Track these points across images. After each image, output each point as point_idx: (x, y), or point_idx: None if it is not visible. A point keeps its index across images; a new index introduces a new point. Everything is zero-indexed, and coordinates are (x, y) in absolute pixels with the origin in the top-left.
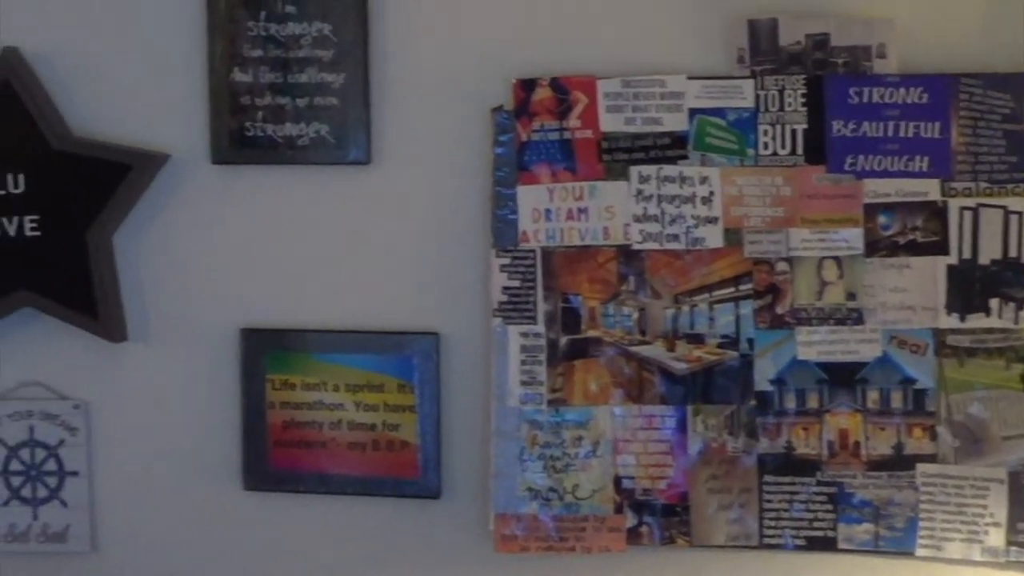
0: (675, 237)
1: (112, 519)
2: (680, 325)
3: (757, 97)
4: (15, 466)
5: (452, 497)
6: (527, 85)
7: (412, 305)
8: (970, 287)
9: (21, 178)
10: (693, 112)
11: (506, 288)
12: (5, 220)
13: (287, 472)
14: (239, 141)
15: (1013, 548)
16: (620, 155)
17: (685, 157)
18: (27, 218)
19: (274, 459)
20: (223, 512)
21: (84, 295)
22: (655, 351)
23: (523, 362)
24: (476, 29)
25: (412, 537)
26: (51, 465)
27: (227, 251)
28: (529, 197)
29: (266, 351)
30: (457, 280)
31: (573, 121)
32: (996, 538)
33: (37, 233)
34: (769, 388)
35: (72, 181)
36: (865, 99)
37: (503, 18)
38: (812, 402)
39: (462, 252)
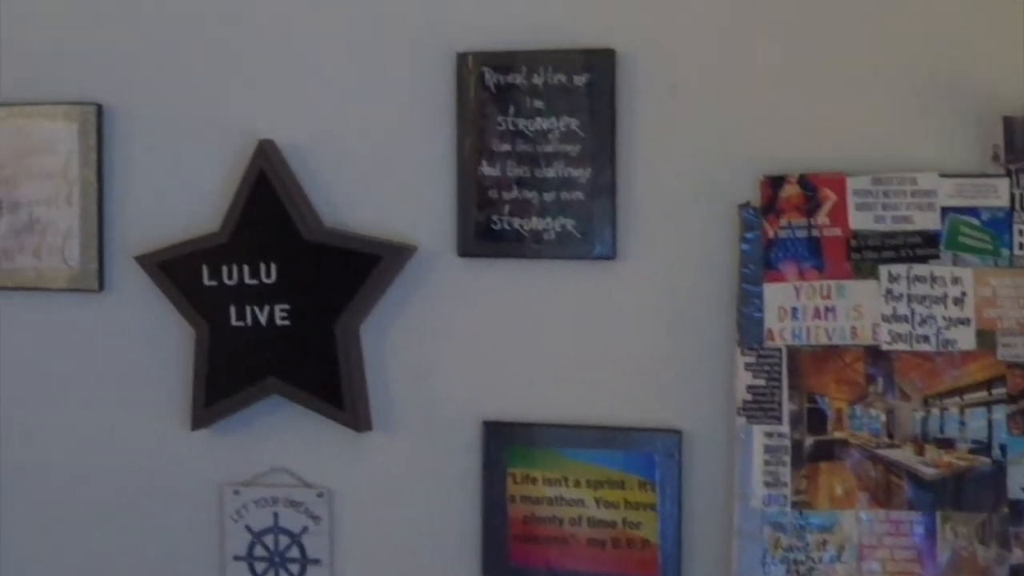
0: (925, 338)
1: None
2: (930, 429)
3: (1012, 196)
4: (259, 552)
5: None
6: (775, 182)
7: (654, 402)
8: None
9: (273, 267)
10: (945, 211)
11: (751, 387)
12: (257, 309)
13: (526, 567)
14: (485, 234)
15: None
16: (869, 254)
17: (936, 257)
18: (278, 307)
19: (513, 554)
20: None
21: (331, 384)
22: (903, 455)
23: (767, 462)
24: (724, 125)
25: None
26: (294, 552)
27: (471, 343)
28: (775, 295)
29: (508, 444)
30: (700, 377)
31: (821, 218)
32: None
33: (287, 322)
34: (1023, 497)
35: (322, 271)
36: None
37: (751, 114)
38: None
39: (706, 349)
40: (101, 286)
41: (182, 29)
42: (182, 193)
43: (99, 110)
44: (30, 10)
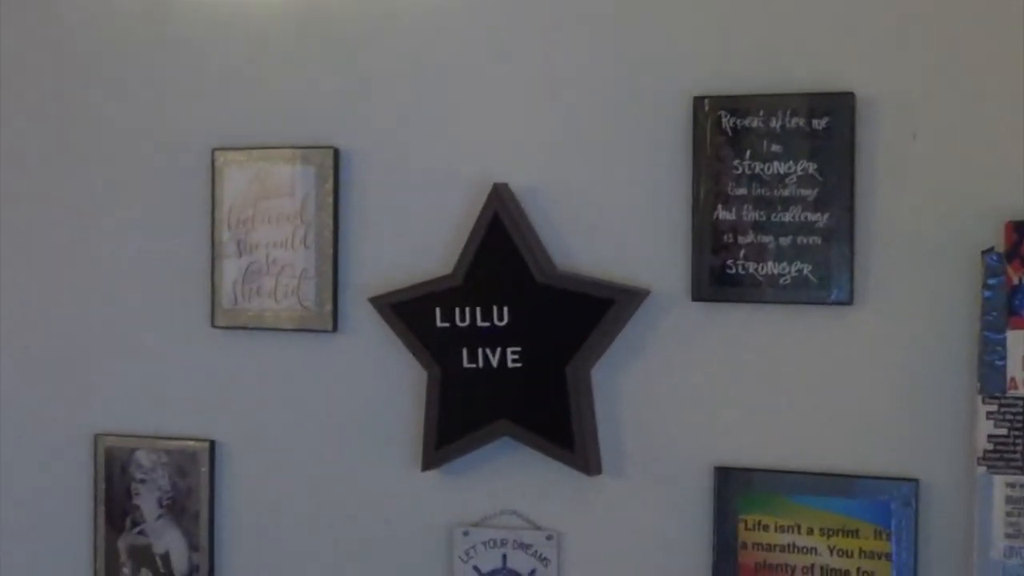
0: None
1: None
2: None
3: None
4: None
5: None
6: (1019, 227)
7: (891, 450)
8: None
9: (506, 310)
10: None
11: (992, 436)
12: (489, 351)
13: None
14: (720, 279)
15: None
16: None
17: None
18: (510, 350)
19: None
20: None
21: (562, 427)
22: None
23: (1008, 514)
24: (966, 170)
25: None
26: None
27: (704, 388)
28: (1019, 342)
29: (740, 490)
30: (938, 426)
31: None
32: None
33: (519, 364)
34: None
35: (554, 314)
36: None
37: (994, 159)
38: None
39: (944, 397)
40: (335, 327)
41: (418, 75)
42: (416, 235)
43: (336, 154)
44: (244, 57)
